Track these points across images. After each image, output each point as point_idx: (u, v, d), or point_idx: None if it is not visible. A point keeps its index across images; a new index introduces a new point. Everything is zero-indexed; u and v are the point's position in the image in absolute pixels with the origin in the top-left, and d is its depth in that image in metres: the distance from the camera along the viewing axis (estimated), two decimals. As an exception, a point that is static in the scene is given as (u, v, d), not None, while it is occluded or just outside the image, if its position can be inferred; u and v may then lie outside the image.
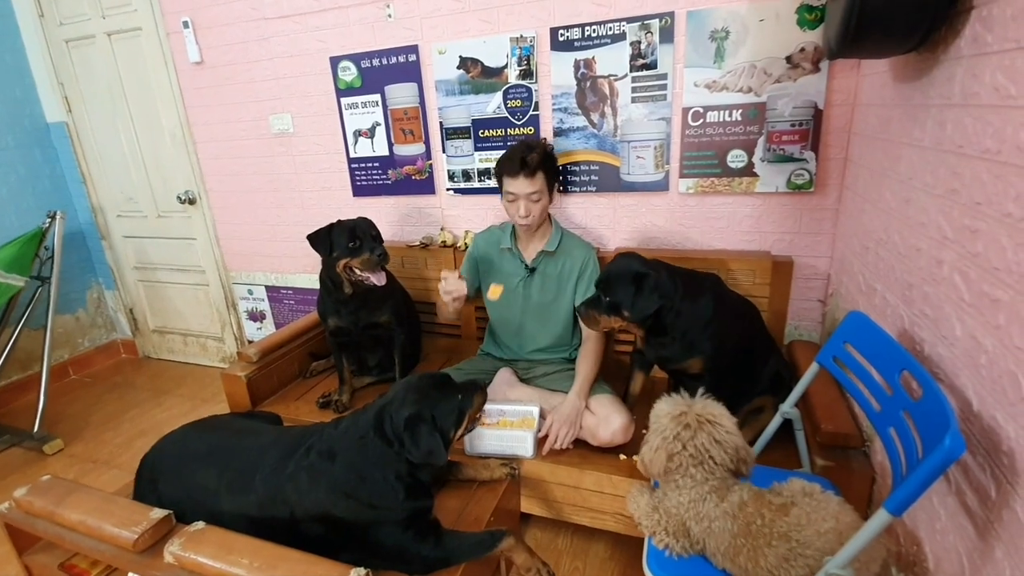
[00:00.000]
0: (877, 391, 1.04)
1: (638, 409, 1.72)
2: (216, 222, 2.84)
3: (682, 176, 1.89)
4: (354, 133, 2.32)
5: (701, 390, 1.21)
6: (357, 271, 1.79)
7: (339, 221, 1.83)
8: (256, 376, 2.02)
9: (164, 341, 3.34)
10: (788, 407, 1.29)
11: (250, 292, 2.90)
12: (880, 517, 0.81)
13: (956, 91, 1.00)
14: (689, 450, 1.11)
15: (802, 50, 1.66)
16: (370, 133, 2.29)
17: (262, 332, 2.96)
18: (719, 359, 1.52)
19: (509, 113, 2.04)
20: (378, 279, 1.77)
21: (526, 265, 1.82)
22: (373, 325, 1.93)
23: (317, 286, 2.65)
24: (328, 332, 1.96)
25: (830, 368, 1.19)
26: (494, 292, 1.69)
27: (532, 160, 1.63)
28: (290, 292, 2.78)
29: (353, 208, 2.47)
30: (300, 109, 2.40)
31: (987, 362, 0.83)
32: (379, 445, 1.22)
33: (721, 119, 1.79)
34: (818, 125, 1.70)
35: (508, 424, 1.69)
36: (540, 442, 1.64)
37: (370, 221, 1.86)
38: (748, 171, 1.81)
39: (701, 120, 1.82)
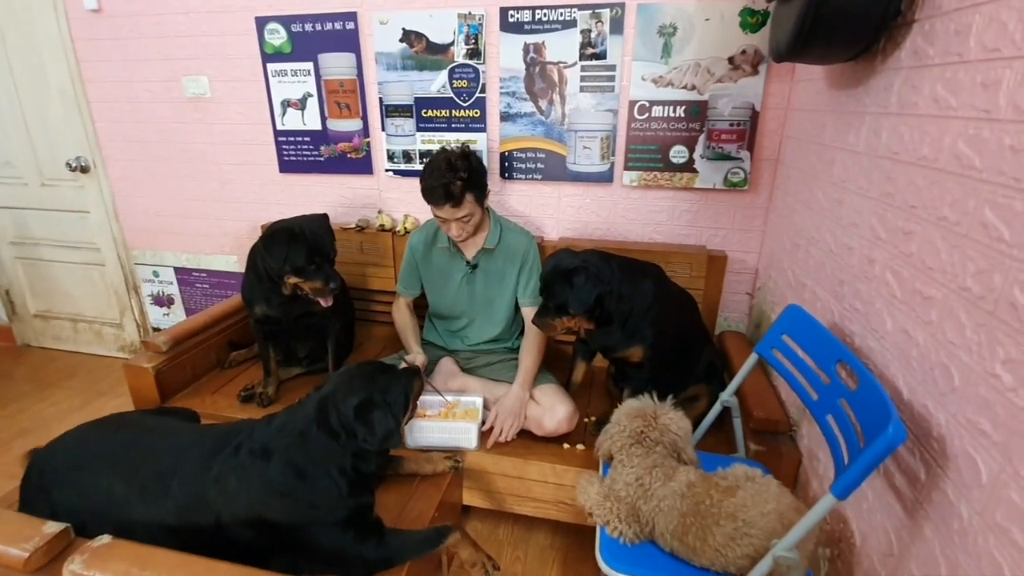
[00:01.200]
0: (814, 381, 1.10)
1: (579, 398, 1.73)
2: (115, 194, 2.53)
3: (626, 168, 1.92)
4: (282, 103, 2.14)
5: (671, 398, 1.26)
6: (305, 290, 1.67)
7: (301, 230, 1.63)
8: (166, 368, 1.82)
9: (48, 327, 2.94)
10: (728, 396, 1.34)
11: (156, 274, 2.62)
12: (826, 501, 0.85)
13: (893, 100, 1.06)
14: (627, 432, 1.18)
15: (743, 52, 1.72)
16: (301, 104, 2.12)
17: (170, 319, 2.69)
18: (659, 348, 1.56)
19: (455, 94, 1.96)
20: (325, 301, 1.67)
21: (467, 262, 1.77)
22: (307, 314, 1.79)
23: (235, 269, 2.46)
24: (254, 320, 1.80)
25: (768, 358, 1.25)
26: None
27: (456, 189, 1.53)
28: (203, 275, 2.54)
29: (279, 186, 2.29)
30: (219, 72, 2.17)
31: (918, 355, 0.90)
32: (322, 439, 1.14)
33: (666, 114, 1.83)
34: (754, 126, 1.78)
35: (451, 416, 1.64)
36: (484, 435, 1.61)
37: (329, 233, 1.72)
38: (688, 167, 1.86)
39: (647, 114, 1.84)
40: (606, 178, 1.94)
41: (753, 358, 1.29)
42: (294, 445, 1.13)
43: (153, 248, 2.58)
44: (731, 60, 1.73)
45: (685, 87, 1.79)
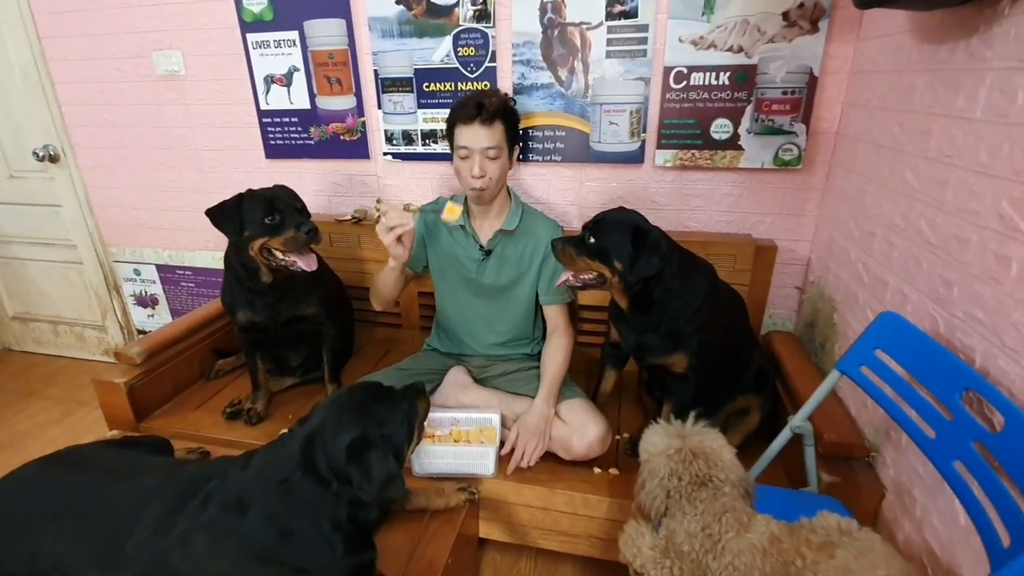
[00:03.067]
0: (928, 413, 0.87)
1: (607, 411, 1.51)
2: (87, 185, 2.30)
3: (659, 147, 1.67)
4: (265, 79, 1.89)
5: (693, 415, 1.03)
6: (279, 254, 1.41)
7: (250, 191, 1.44)
8: (141, 383, 1.62)
9: (28, 330, 2.74)
10: (800, 421, 1.11)
11: (137, 272, 2.40)
12: (987, 597, 0.63)
13: (1038, 49, 0.82)
14: (686, 479, 0.95)
15: (800, 6, 1.45)
16: (286, 80, 1.88)
17: (155, 320, 2.48)
18: (706, 356, 1.34)
19: (460, 63, 1.71)
20: (307, 263, 1.42)
21: (481, 247, 1.53)
22: (297, 319, 1.57)
23: (220, 266, 2.23)
24: (238, 328, 1.58)
25: (856, 378, 1.02)
26: (451, 212, 1.39)
27: (490, 105, 1.35)
28: (188, 273, 2.32)
29: (266, 173, 2.05)
30: (193, 45, 1.92)
31: (1101, 390, 0.67)
32: (309, 487, 0.93)
33: (707, 82, 1.57)
34: (811, 94, 1.53)
35: (463, 436, 1.42)
36: (503, 459, 1.39)
37: (291, 190, 1.48)
38: (733, 144, 1.61)
39: (684, 82, 1.59)
40: (635, 158, 1.70)
41: (834, 376, 1.06)
42: (275, 496, 0.92)
43: (133, 244, 2.36)
44: (785, 15, 1.47)
45: (730, 49, 1.53)
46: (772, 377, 1.50)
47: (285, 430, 1.57)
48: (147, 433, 1.61)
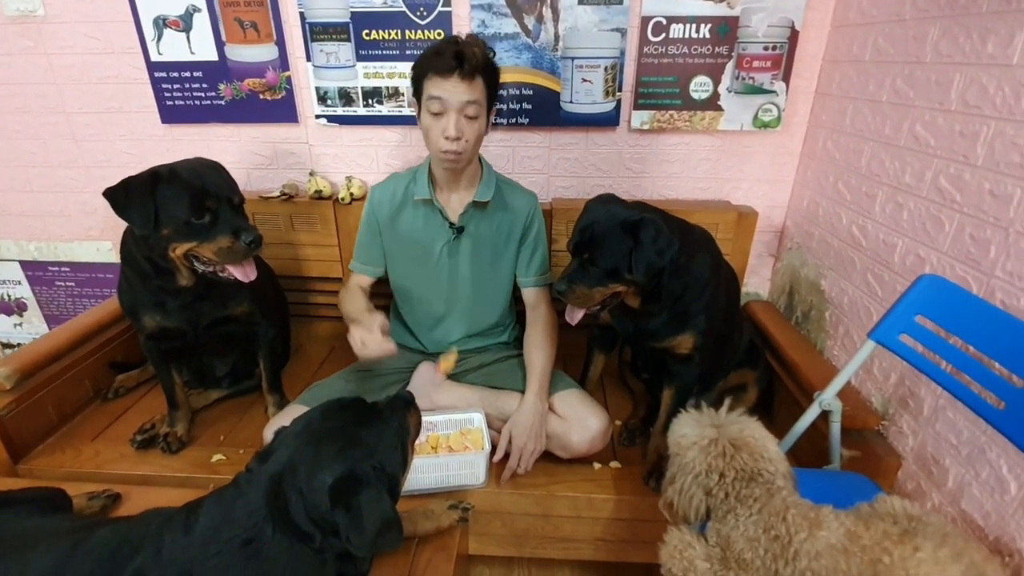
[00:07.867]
0: (992, 382, 0.81)
1: (593, 396, 1.37)
2: (-89, 161, 1.77)
3: (636, 107, 1.53)
4: (155, 22, 1.51)
5: (728, 401, 0.91)
6: (208, 258, 1.11)
7: (169, 170, 1.08)
8: (15, 413, 1.26)
9: None
10: (831, 397, 1.03)
11: (-7, 271, 1.92)
12: None
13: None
14: (730, 475, 0.83)
15: (785, -49, 1.36)
16: (183, 23, 1.51)
17: (24, 330, 2.00)
18: (710, 335, 1.23)
19: (408, 7, 1.45)
20: (243, 274, 1.12)
21: (451, 224, 1.31)
22: (224, 320, 1.27)
23: (110, 259, 1.84)
24: (144, 336, 1.25)
25: (894, 347, 0.95)
26: (447, 363, 1.25)
27: (472, 57, 1.09)
28: (65, 270, 1.88)
29: (163, 142, 1.67)
30: (52, -24, 1.50)
31: None
32: (284, 547, 0.70)
33: (687, 35, 1.44)
34: (792, 50, 1.45)
35: (443, 443, 1.23)
36: (496, 464, 1.22)
37: (223, 173, 1.16)
38: (712, 104, 1.51)
39: (663, 35, 1.45)
40: (610, 120, 1.54)
41: (869, 347, 0.98)
42: (238, 567, 0.68)
43: (-16, 236, 1.87)
44: (770, -39, 1.37)
45: (712, -2, 1.41)
46: (762, 350, 1.44)
47: (219, 456, 1.29)
48: (27, 476, 1.26)
